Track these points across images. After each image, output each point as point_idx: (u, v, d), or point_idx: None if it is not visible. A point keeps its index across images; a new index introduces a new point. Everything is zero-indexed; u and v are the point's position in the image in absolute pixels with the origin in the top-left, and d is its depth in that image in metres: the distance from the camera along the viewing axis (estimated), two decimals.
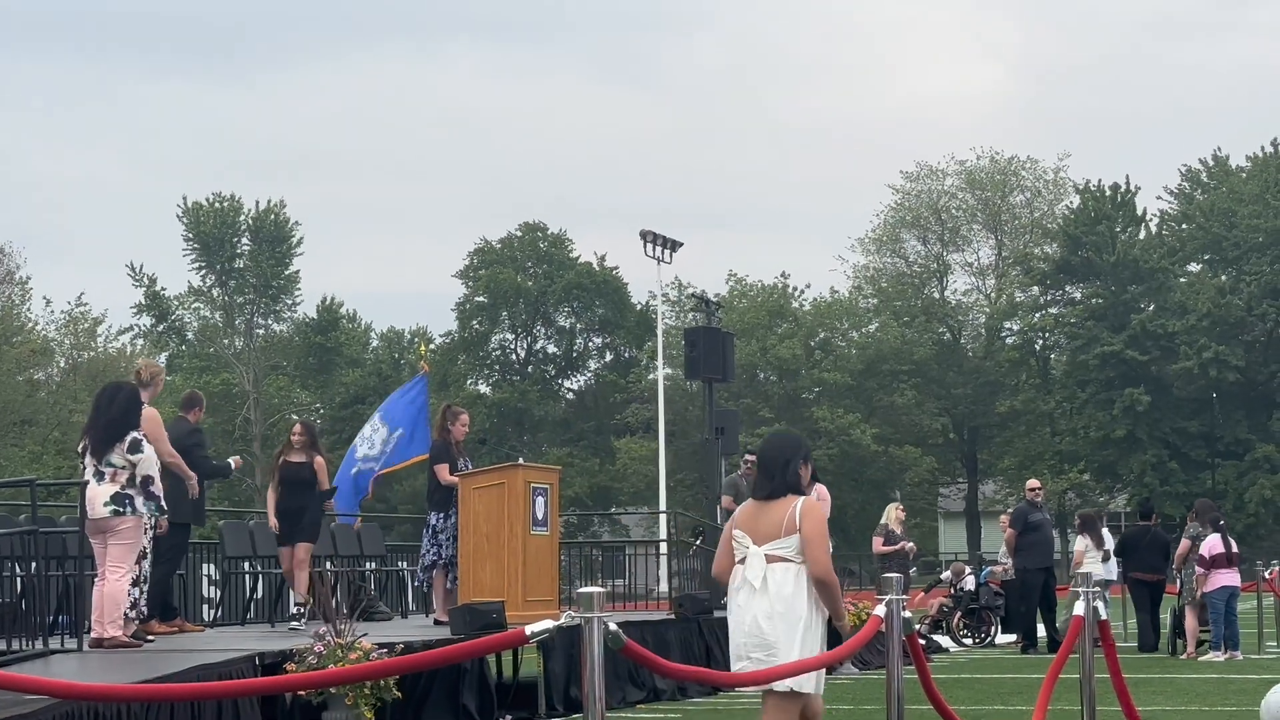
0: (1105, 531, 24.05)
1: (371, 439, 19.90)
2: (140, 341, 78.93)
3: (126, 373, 59.57)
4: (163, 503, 12.73)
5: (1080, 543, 23.72)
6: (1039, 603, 23.04)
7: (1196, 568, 20.55)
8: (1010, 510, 25.99)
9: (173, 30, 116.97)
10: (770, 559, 8.30)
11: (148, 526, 12.66)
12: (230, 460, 16.76)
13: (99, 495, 12.22)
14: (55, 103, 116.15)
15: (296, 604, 16.00)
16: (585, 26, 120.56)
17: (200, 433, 15.50)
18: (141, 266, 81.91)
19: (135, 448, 12.33)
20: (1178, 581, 21.48)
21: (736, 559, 8.44)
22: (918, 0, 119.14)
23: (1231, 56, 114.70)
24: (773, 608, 8.22)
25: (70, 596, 14.35)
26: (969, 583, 25.86)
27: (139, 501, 12.34)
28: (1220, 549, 20.40)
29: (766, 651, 8.21)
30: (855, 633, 8.52)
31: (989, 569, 26.19)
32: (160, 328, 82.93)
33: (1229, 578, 20.36)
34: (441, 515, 16.07)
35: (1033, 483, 24.43)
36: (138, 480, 12.34)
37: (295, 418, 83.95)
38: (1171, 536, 24.14)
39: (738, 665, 8.35)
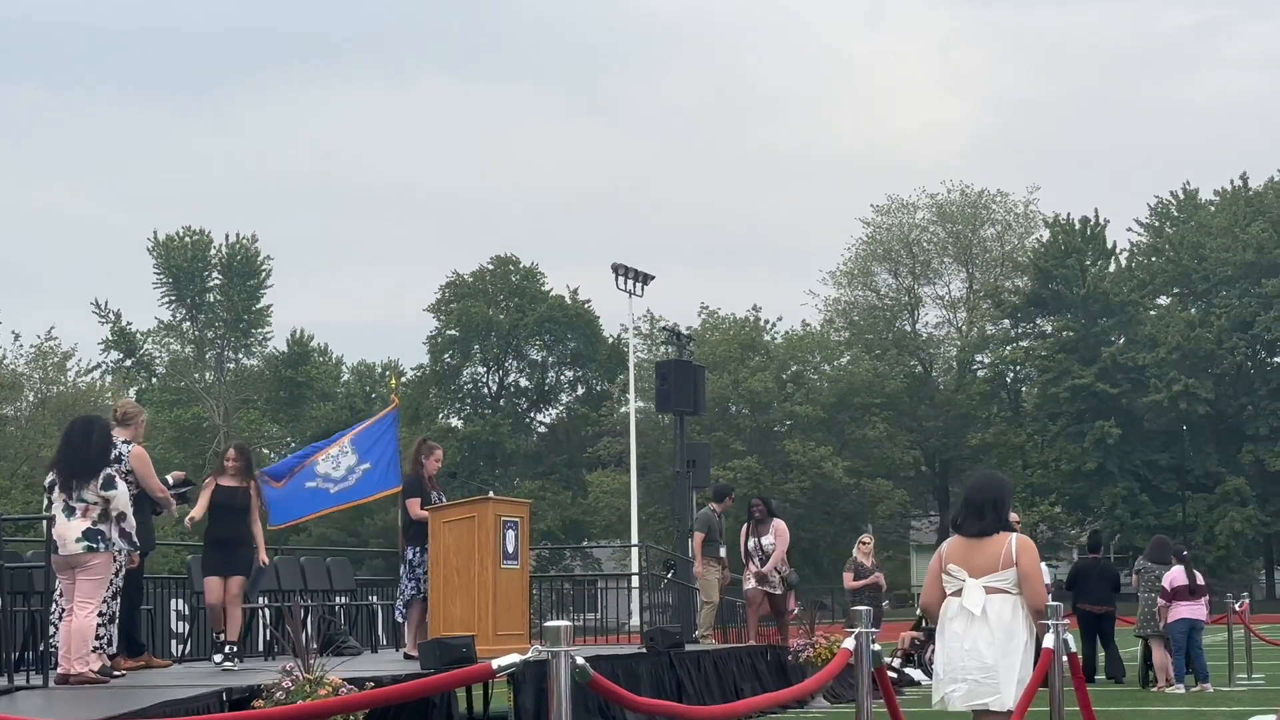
0: (1043, 565, 24.20)
1: (337, 459, 19.49)
2: (109, 377, 78.63)
3: (96, 407, 59.39)
4: (135, 538, 12.66)
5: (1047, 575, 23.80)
6: None
7: (1159, 600, 20.64)
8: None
9: (143, 63, 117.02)
10: (989, 590, 8.99)
11: (120, 563, 12.58)
12: (169, 475, 15.63)
13: (70, 530, 12.12)
14: (24, 134, 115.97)
15: (230, 643, 14.81)
16: (555, 60, 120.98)
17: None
18: (107, 303, 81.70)
19: (109, 484, 12.25)
20: (1138, 614, 21.51)
21: (949, 590, 9.15)
22: (886, 35, 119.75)
23: (1200, 91, 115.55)
24: (994, 635, 8.90)
25: (36, 632, 14.25)
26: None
27: (113, 537, 12.26)
28: (1183, 581, 20.48)
29: (986, 674, 8.88)
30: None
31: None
32: (128, 363, 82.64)
33: (1189, 609, 20.43)
34: (418, 550, 16.00)
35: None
36: (112, 515, 12.26)
37: (267, 451, 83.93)
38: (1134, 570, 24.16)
39: (950, 687, 8.99)
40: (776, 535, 20.93)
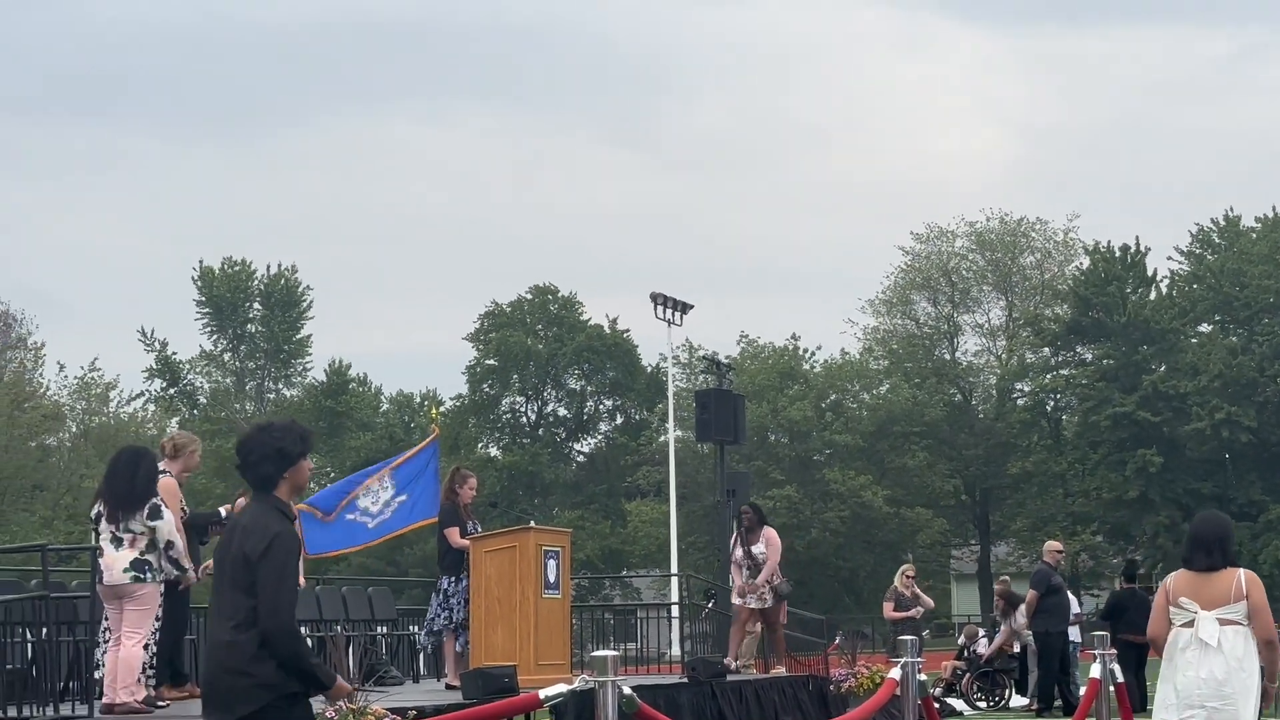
0: (1071, 595, 24.39)
1: (376, 494, 19.51)
2: (151, 406, 79.05)
3: (137, 437, 59.71)
4: (184, 561, 12.71)
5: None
6: (1055, 666, 22.95)
7: None
8: (1003, 577, 25.93)
9: (184, 96, 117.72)
10: (1222, 622, 9.48)
11: (181, 582, 12.72)
12: (221, 508, 15.60)
13: (118, 561, 12.18)
14: (63, 168, 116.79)
15: None
16: (593, 90, 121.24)
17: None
18: (153, 331, 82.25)
19: (155, 514, 12.32)
20: None
21: (1178, 622, 9.60)
22: (922, 62, 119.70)
23: (1241, 118, 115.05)
24: (1228, 664, 9.39)
25: (81, 662, 14.29)
26: (981, 645, 25.71)
27: (160, 566, 12.34)
28: None
29: (1223, 701, 9.37)
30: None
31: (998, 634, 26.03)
32: (171, 392, 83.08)
33: None
34: (453, 579, 16.00)
35: (1054, 545, 24.19)
36: (159, 545, 12.33)
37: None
38: None
39: (1187, 713, 9.44)
40: (768, 544, 20.00)
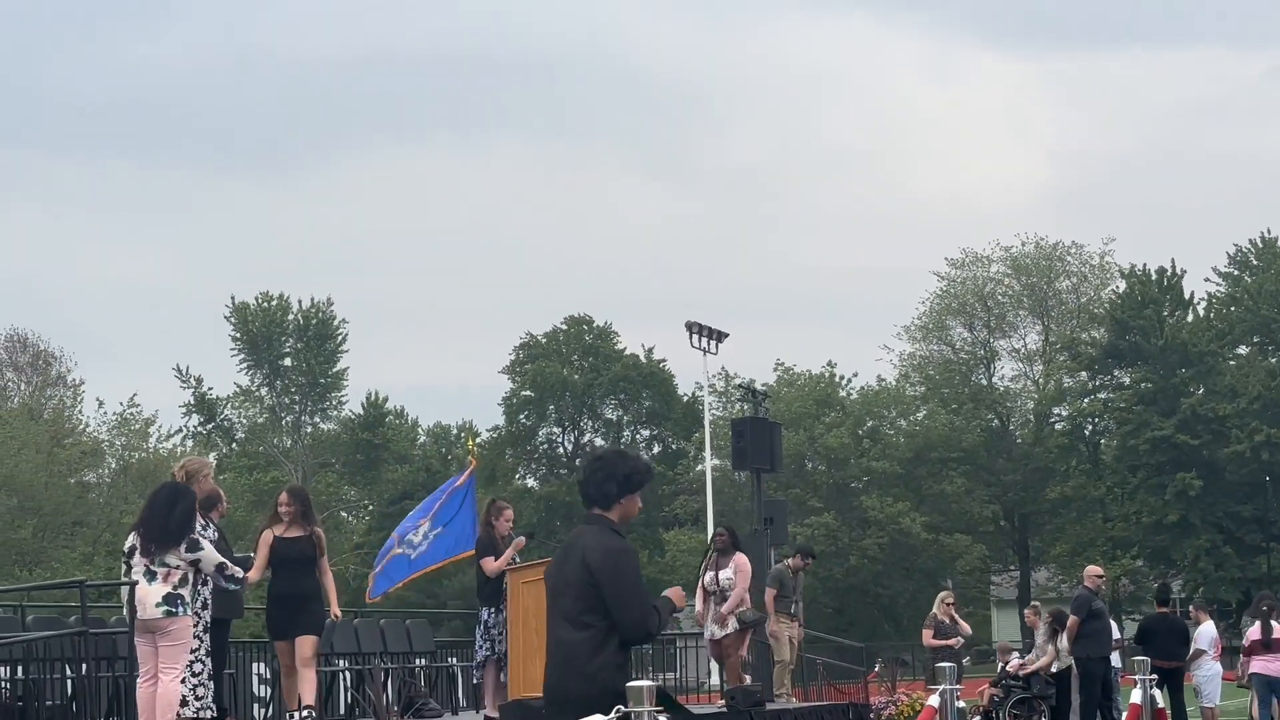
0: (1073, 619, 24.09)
1: (417, 528, 19.64)
2: (189, 442, 79.32)
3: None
4: (236, 576, 12.70)
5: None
6: (1097, 692, 22.76)
7: (1241, 655, 20.81)
8: (1033, 603, 25.77)
9: (216, 130, 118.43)
10: None
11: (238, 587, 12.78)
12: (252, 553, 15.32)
13: (151, 595, 12.19)
14: (100, 205, 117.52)
15: (307, 707, 13.68)
16: (624, 119, 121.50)
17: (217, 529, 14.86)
18: (188, 368, 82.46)
19: (194, 546, 12.36)
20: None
21: None
22: (953, 86, 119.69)
23: (1273, 138, 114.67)
24: None
25: (121, 698, 14.32)
26: (1013, 660, 25.56)
27: (197, 596, 12.41)
28: (1256, 636, 20.60)
29: None
30: None
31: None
32: (209, 428, 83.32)
33: (1262, 664, 20.53)
34: (492, 610, 16.01)
35: (1095, 570, 23.96)
36: (195, 579, 12.38)
37: (345, 514, 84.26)
38: (1222, 623, 24.07)
39: None
40: (737, 571, 18.73)
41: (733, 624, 18.50)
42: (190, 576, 12.31)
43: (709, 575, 18.62)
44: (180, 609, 12.19)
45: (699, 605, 18.84)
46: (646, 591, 7.33)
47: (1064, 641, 24.33)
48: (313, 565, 14.02)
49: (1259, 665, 20.50)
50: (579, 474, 7.85)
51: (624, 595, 7.22)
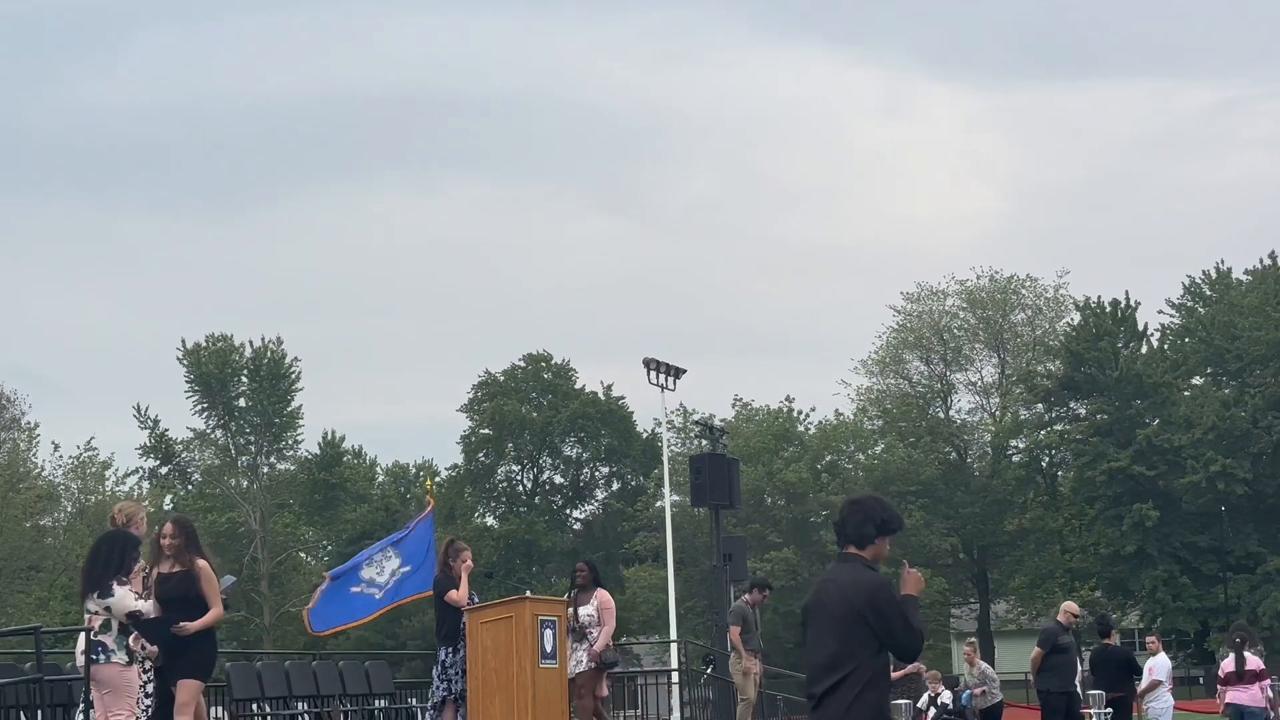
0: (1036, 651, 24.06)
1: (381, 565, 19.63)
2: (145, 484, 78.82)
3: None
4: (129, 649, 12.25)
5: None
6: None
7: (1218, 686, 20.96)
8: (970, 640, 25.82)
9: (171, 172, 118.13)
10: None
11: (143, 666, 12.46)
12: (226, 578, 14.34)
13: (80, 643, 12.26)
14: (52, 245, 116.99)
15: None
16: (578, 159, 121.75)
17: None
18: (147, 408, 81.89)
19: (106, 592, 12.24)
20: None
21: None
22: (906, 122, 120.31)
23: (1227, 170, 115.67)
24: None
25: None
26: (945, 696, 25.56)
27: (113, 647, 12.21)
28: (1230, 667, 20.76)
29: None
30: None
31: (969, 692, 25.83)
32: (165, 470, 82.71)
33: (1235, 695, 20.69)
34: (450, 650, 16.00)
35: (1071, 606, 23.82)
36: (113, 625, 12.23)
37: (303, 555, 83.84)
38: (1181, 653, 24.12)
39: None
40: (600, 608, 18.23)
41: (587, 661, 17.80)
42: (113, 623, 12.18)
43: (569, 611, 17.76)
44: (101, 656, 12.12)
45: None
46: (906, 614, 7.99)
47: (981, 667, 24.41)
48: (194, 603, 12.68)
49: (1233, 695, 20.73)
50: (837, 515, 8.35)
51: (890, 623, 7.88)
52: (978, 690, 25.36)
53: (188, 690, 12.48)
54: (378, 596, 19.12)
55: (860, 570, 8.10)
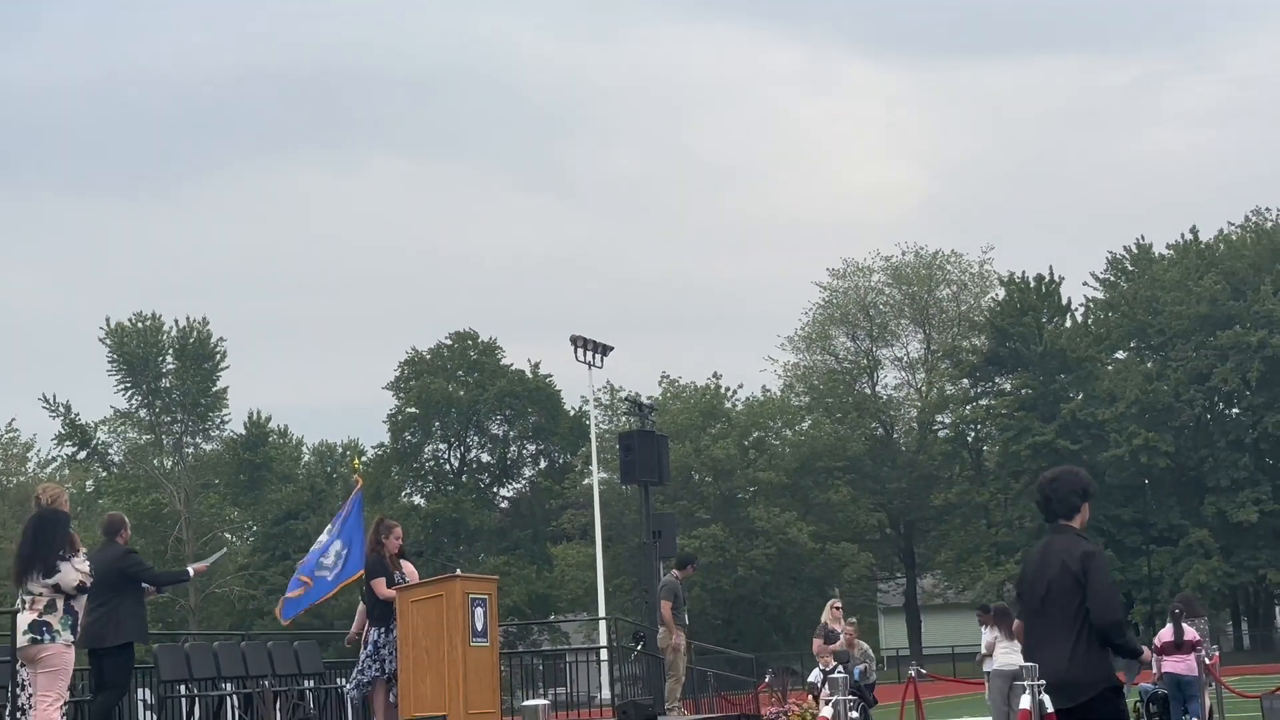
0: (1017, 623, 24.09)
1: (326, 549, 19.74)
2: (66, 470, 78.00)
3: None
4: (75, 624, 12.47)
5: (989, 634, 23.89)
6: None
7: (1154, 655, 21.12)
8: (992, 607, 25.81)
9: (90, 150, 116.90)
10: None
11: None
12: (190, 567, 16.03)
13: (20, 624, 12.16)
14: None
15: None
16: (502, 136, 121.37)
17: (134, 553, 15.14)
18: (55, 396, 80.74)
19: (50, 571, 12.20)
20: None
21: None
22: (831, 99, 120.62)
23: (1146, 145, 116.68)
24: None
25: None
26: (838, 672, 25.50)
27: (57, 627, 12.16)
28: (1169, 637, 21.02)
29: None
30: None
31: (859, 668, 25.70)
32: (82, 455, 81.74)
33: (1172, 664, 20.92)
34: (382, 630, 15.87)
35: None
36: (58, 606, 12.18)
37: (228, 535, 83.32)
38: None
39: None
40: (407, 581, 16.40)
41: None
42: (58, 603, 12.16)
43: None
44: (46, 636, 12.07)
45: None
46: (1112, 584, 8.43)
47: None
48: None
49: (1170, 665, 20.98)
50: (1038, 493, 8.83)
51: (1103, 591, 8.30)
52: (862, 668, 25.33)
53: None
54: (329, 578, 19.24)
55: (1075, 538, 8.61)
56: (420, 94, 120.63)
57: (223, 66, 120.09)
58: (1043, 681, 10.05)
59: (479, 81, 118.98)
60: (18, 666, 12.41)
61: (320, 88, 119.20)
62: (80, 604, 12.41)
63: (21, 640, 12.11)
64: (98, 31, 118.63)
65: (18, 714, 12.60)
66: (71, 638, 12.33)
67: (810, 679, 25.17)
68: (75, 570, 12.31)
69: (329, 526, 19.87)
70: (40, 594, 12.14)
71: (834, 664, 24.67)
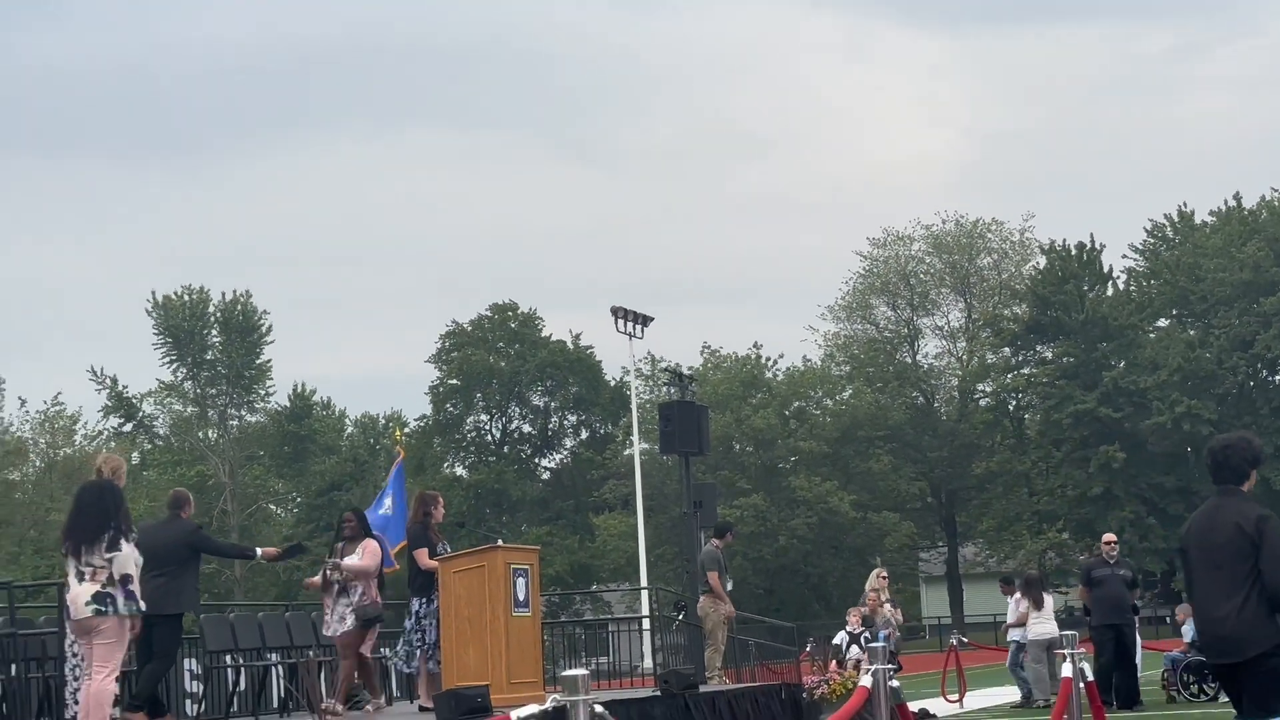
0: (1046, 595, 24.02)
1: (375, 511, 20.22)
2: (113, 443, 78.59)
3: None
4: (140, 603, 12.47)
5: (1017, 605, 23.97)
6: (1115, 659, 21.90)
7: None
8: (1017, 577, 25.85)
9: (132, 123, 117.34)
10: None
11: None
12: (259, 549, 16.26)
13: (81, 595, 12.06)
14: (20, 200, 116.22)
15: None
16: (542, 107, 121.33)
17: (202, 528, 15.34)
18: (102, 369, 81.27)
19: (113, 545, 12.20)
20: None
21: None
22: (869, 68, 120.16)
23: (1188, 112, 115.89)
24: None
25: (51, 698, 14.23)
26: (865, 634, 25.45)
27: (120, 600, 12.18)
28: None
29: None
30: None
31: (884, 633, 25.65)
32: (128, 427, 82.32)
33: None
34: (424, 600, 15.99)
35: (1108, 537, 23.79)
36: (116, 579, 12.18)
37: (273, 507, 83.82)
38: (1148, 593, 24.18)
39: None
40: (365, 556, 16.27)
41: (351, 620, 16.17)
42: (116, 576, 12.15)
43: (329, 564, 16.33)
44: (110, 608, 12.05)
45: (325, 603, 16.49)
46: None
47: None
48: None
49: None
50: (1209, 458, 8.93)
51: (1274, 549, 8.35)
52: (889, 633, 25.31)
53: None
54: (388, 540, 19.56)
55: (1246, 501, 8.70)
56: (458, 65, 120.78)
57: (262, 41, 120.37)
58: (1082, 650, 10.09)
59: (516, 52, 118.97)
60: (70, 638, 12.46)
61: (361, 62, 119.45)
62: (133, 584, 12.36)
63: (84, 611, 12.03)
64: (137, 6, 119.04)
65: (71, 682, 12.74)
66: (129, 611, 12.28)
67: (834, 640, 25.13)
68: (133, 564, 12.30)
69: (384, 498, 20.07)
70: (102, 566, 12.14)
71: (861, 627, 24.74)
